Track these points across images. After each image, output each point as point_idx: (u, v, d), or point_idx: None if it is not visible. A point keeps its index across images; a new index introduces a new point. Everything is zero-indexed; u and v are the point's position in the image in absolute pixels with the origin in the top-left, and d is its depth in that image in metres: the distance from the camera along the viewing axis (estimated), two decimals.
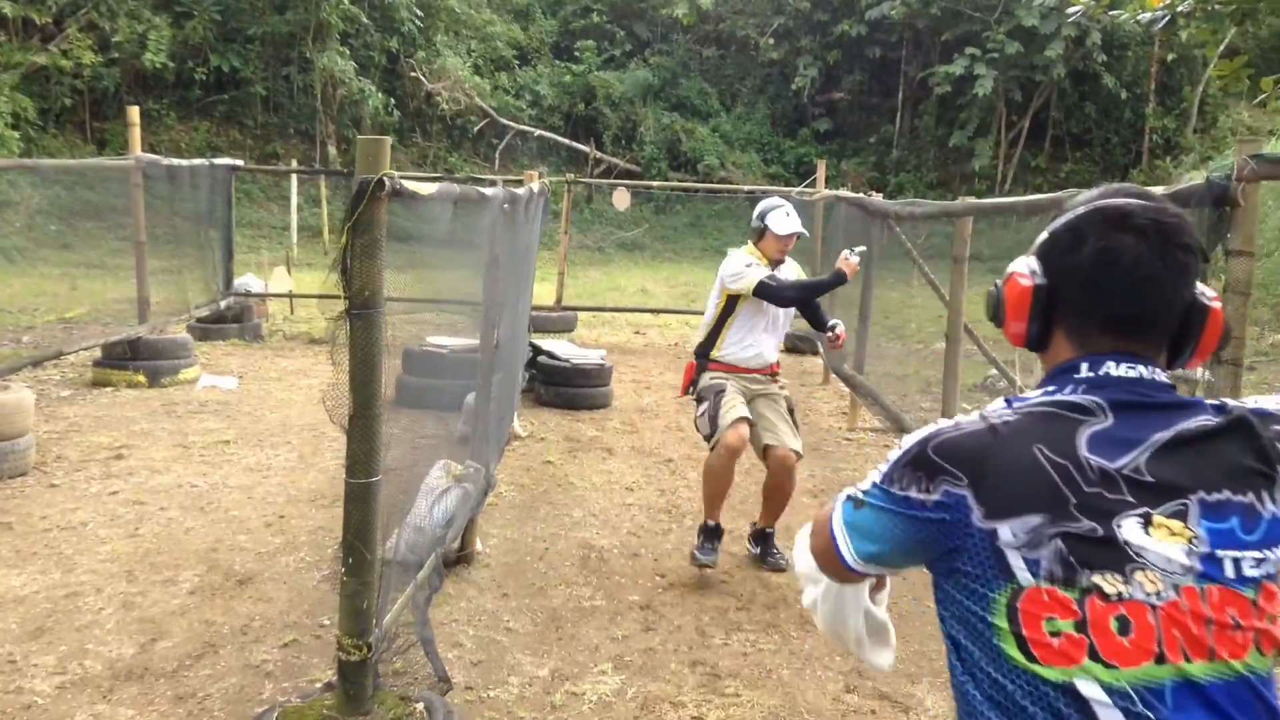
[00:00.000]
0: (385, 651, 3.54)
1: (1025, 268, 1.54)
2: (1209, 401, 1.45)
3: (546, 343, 9.64)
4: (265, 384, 9.35)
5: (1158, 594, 1.31)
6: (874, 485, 1.52)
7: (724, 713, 3.90)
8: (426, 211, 4.70)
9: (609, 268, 20.04)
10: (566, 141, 26.18)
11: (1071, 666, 1.30)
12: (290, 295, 13.02)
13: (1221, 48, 20.24)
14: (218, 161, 11.77)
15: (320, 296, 11.93)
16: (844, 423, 9.06)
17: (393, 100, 24.13)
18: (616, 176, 24.68)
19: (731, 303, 5.32)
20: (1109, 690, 1.29)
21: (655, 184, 20.64)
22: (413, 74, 24.73)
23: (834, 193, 11.41)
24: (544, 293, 12.81)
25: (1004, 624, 1.35)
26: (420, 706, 3.42)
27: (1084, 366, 1.46)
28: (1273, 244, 15.46)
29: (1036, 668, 1.32)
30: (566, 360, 8.95)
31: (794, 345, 12.81)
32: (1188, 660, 1.30)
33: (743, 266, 5.26)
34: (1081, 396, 1.42)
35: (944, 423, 1.49)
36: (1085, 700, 1.30)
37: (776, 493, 5.38)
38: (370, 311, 3.34)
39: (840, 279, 5.48)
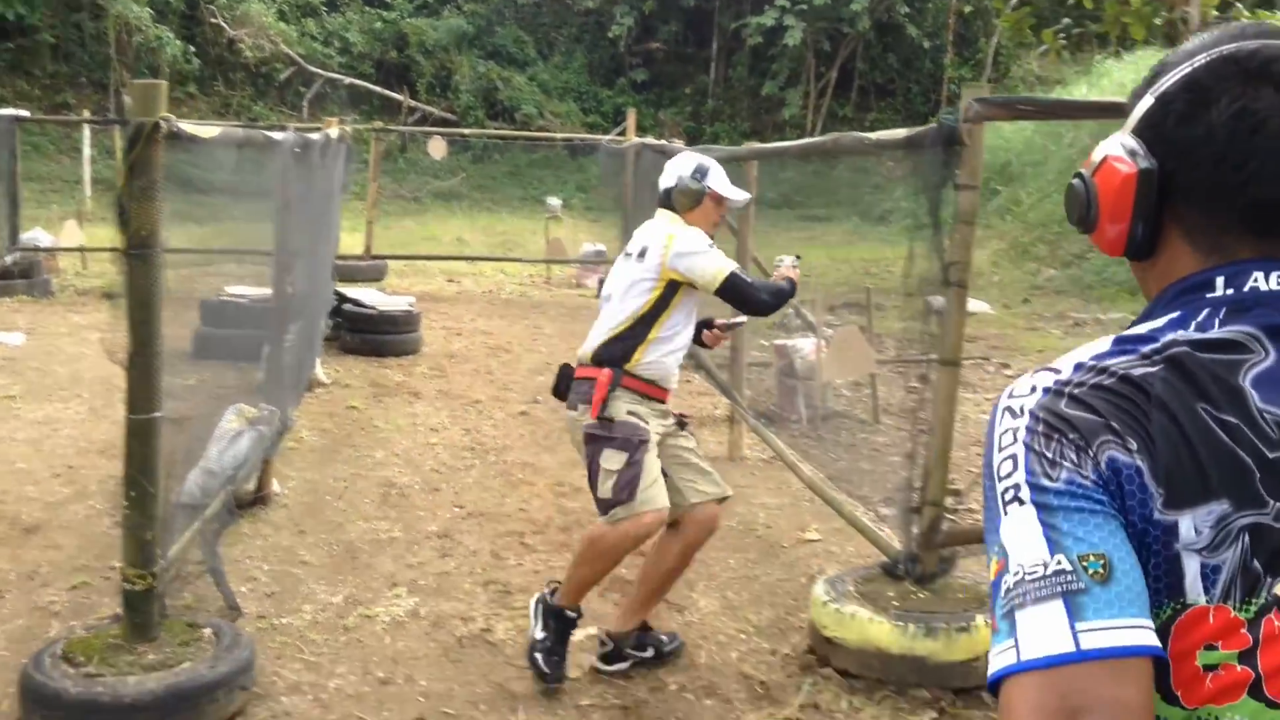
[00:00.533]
0: (172, 582, 3.62)
1: (1122, 148, 1.09)
2: None
3: (353, 291, 9.61)
4: (55, 339, 9.04)
5: None
6: (1045, 493, 0.94)
7: (511, 624, 4.13)
8: (212, 157, 4.71)
9: (424, 217, 19.88)
10: (379, 90, 25.66)
11: (1221, 705, 0.93)
12: (82, 250, 12.53)
13: (1013, 1, 21.39)
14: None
15: (114, 250, 11.52)
16: None
17: (192, 48, 23.14)
18: (432, 125, 24.36)
19: (669, 293, 3.69)
20: None
21: (471, 132, 20.52)
22: (213, 20, 23.77)
23: (641, 140, 11.68)
24: (353, 242, 12.70)
25: None
26: (208, 631, 3.52)
27: (1219, 282, 1.03)
28: (1051, 186, 16.52)
29: (1171, 710, 0.94)
30: (372, 307, 8.97)
31: None
32: None
33: (704, 245, 3.72)
34: (1230, 330, 0.99)
35: (1038, 381, 1.02)
36: None
37: (684, 562, 3.92)
38: (147, 251, 3.38)
39: (794, 289, 4.15)
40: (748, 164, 6.68)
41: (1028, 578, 0.91)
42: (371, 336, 8.91)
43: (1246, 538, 0.93)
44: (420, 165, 23.32)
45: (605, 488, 3.59)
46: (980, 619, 3.64)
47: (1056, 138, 16.56)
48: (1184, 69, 1.07)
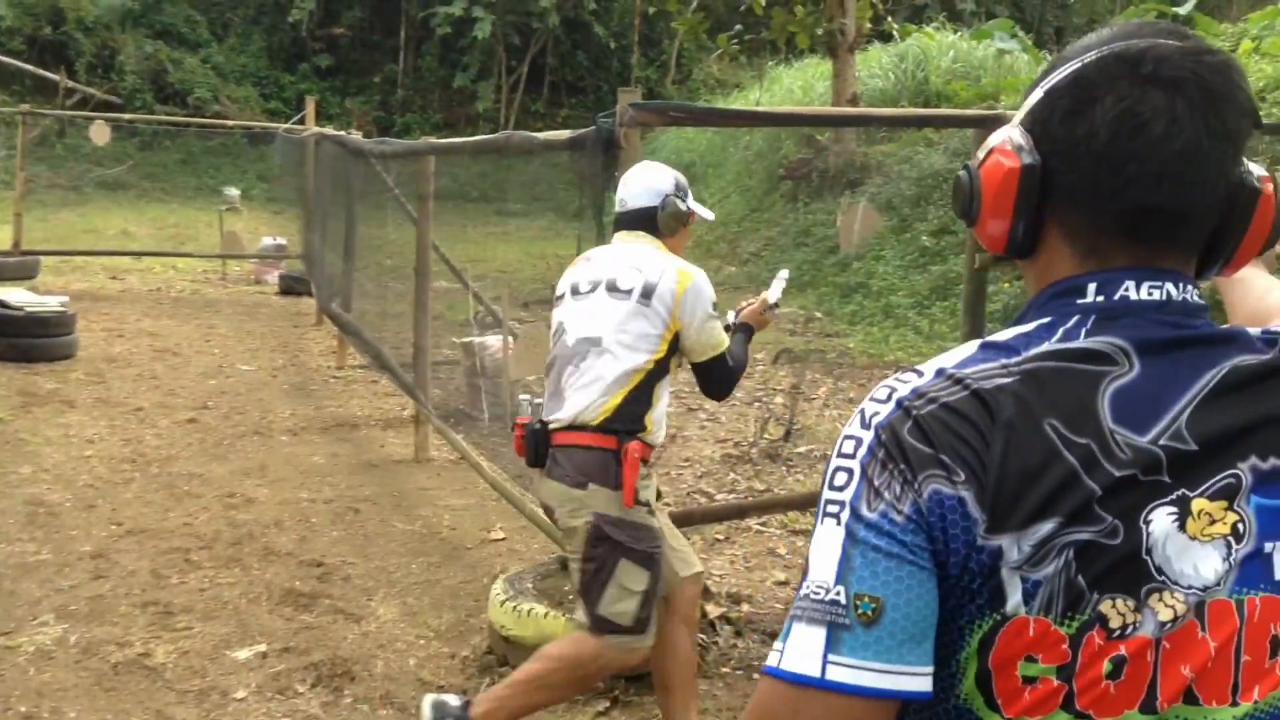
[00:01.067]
0: None
1: (1009, 141, 1.06)
2: (1252, 330, 1.04)
3: None
4: None
5: (1172, 621, 0.95)
6: (858, 522, 0.96)
7: (173, 645, 3.89)
8: None
9: (85, 209, 18.37)
10: (31, 69, 23.42)
11: (1035, 718, 0.96)
12: None
13: (694, 4, 22.26)
14: None
15: None
16: (333, 361, 9.09)
17: None
18: (94, 108, 22.51)
19: (675, 344, 3.08)
20: None
21: (138, 118, 19.12)
22: None
23: (320, 130, 11.27)
24: (1, 237, 11.56)
25: (972, 660, 0.97)
26: None
27: (1091, 288, 1.03)
28: (731, 186, 17.36)
29: (992, 717, 0.97)
30: (19, 308, 8.18)
31: (290, 287, 12.58)
32: (1193, 703, 0.96)
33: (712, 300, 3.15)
34: (1095, 340, 1.00)
35: (897, 386, 1.01)
36: None
37: (693, 643, 3.34)
38: None
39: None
40: (424, 159, 6.61)
41: (812, 596, 0.95)
42: (18, 340, 8.12)
43: (1071, 553, 0.94)
44: (81, 152, 21.48)
45: (619, 610, 2.93)
46: None
47: (736, 140, 17.41)
48: (1074, 64, 1.03)
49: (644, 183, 3.26)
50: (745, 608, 4.32)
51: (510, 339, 7.20)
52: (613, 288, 3.09)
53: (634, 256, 3.14)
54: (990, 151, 1.08)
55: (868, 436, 0.99)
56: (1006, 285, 9.27)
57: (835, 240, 12.19)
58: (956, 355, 1.02)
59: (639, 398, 3.01)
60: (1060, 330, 1.01)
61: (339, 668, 3.80)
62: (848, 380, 8.48)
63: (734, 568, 4.77)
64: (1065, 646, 0.95)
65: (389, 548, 4.99)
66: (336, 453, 6.47)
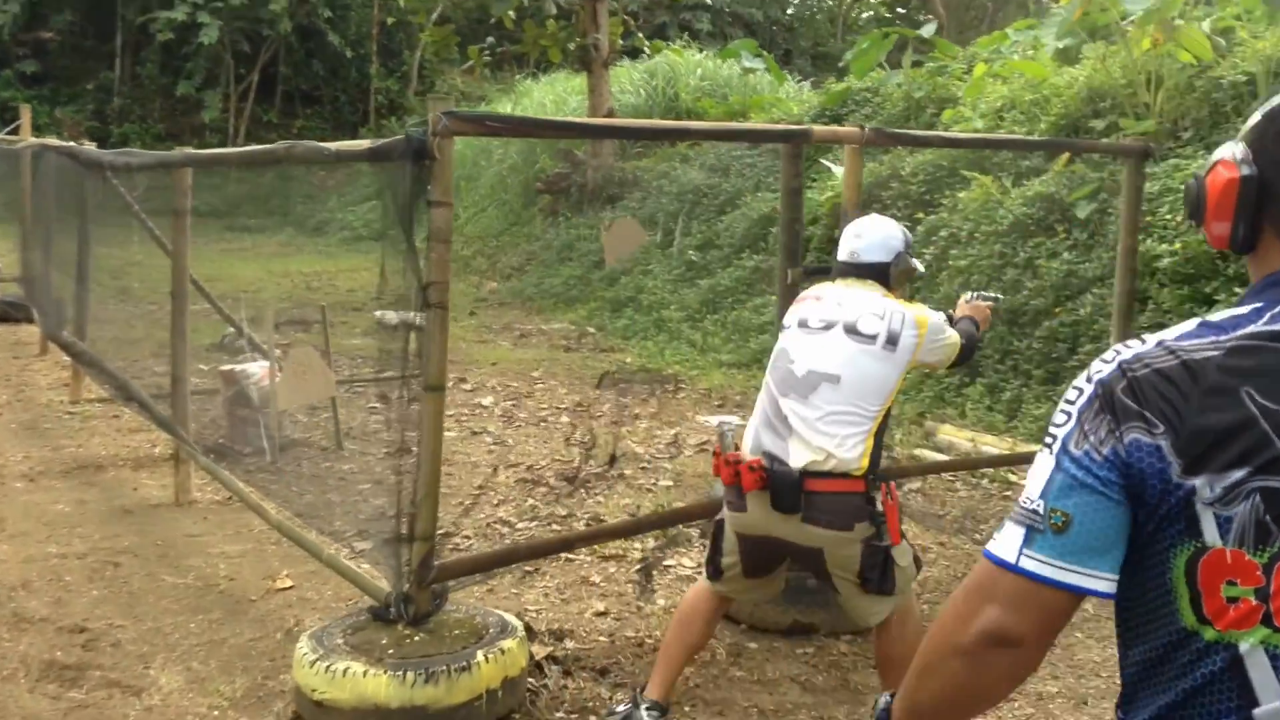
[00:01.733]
0: None
1: (1231, 155, 1.31)
2: None
3: None
4: None
5: None
6: (1065, 455, 1.25)
7: None
8: None
9: None
10: None
11: (1242, 630, 1.20)
12: None
13: (435, 15, 21.83)
14: None
15: None
16: (66, 395, 8.20)
17: None
18: None
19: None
20: (1270, 653, 1.20)
21: None
22: None
23: (41, 141, 10.21)
24: None
25: (1180, 584, 1.23)
26: None
27: None
28: (486, 199, 17.08)
29: (1204, 629, 1.22)
30: None
31: (5, 314, 11.35)
32: None
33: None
34: None
35: (1122, 351, 1.27)
36: (1242, 659, 1.21)
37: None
38: None
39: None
40: (179, 172, 6.02)
41: (1022, 505, 1.28)
42: None
43: (1258, 497, 1.18)
44: None
45: (904, 582, 3.28)
46: (481, 655, 3.49)
47: (488, 153, 17.15)
48: None
49: (881, 237, 3.45)
50: (570, 644, 4.10)
51: (275, 366, 6.69)
52: (852, 330, 3.25)
53: (872, 303, 3.30)
54: (1215, 164, 1.32)
55: (1089, 389, 1.26)
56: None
57: (600, 255, 12.16)
58: (1177, 330, 1.27)
59: (879, 442, 3.22)
60: (1268, 315, 1.24)
61: None
62: (631, 396, 8.40)
63: (550, 600, 4.54)
64: (1259, 573, 1.20)
65: (161, 605, 4.45)
66: (83, 499, 5.78)
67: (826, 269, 4.53)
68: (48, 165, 9.60)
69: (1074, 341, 7.16)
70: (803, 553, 3.28)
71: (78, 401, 7.99)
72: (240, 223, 21.29)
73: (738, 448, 3.43)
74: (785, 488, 3.12)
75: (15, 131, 11.41)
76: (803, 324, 3.35)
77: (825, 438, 3.14)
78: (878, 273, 3.40)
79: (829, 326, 3.28)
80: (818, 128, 4.77)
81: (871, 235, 3.46)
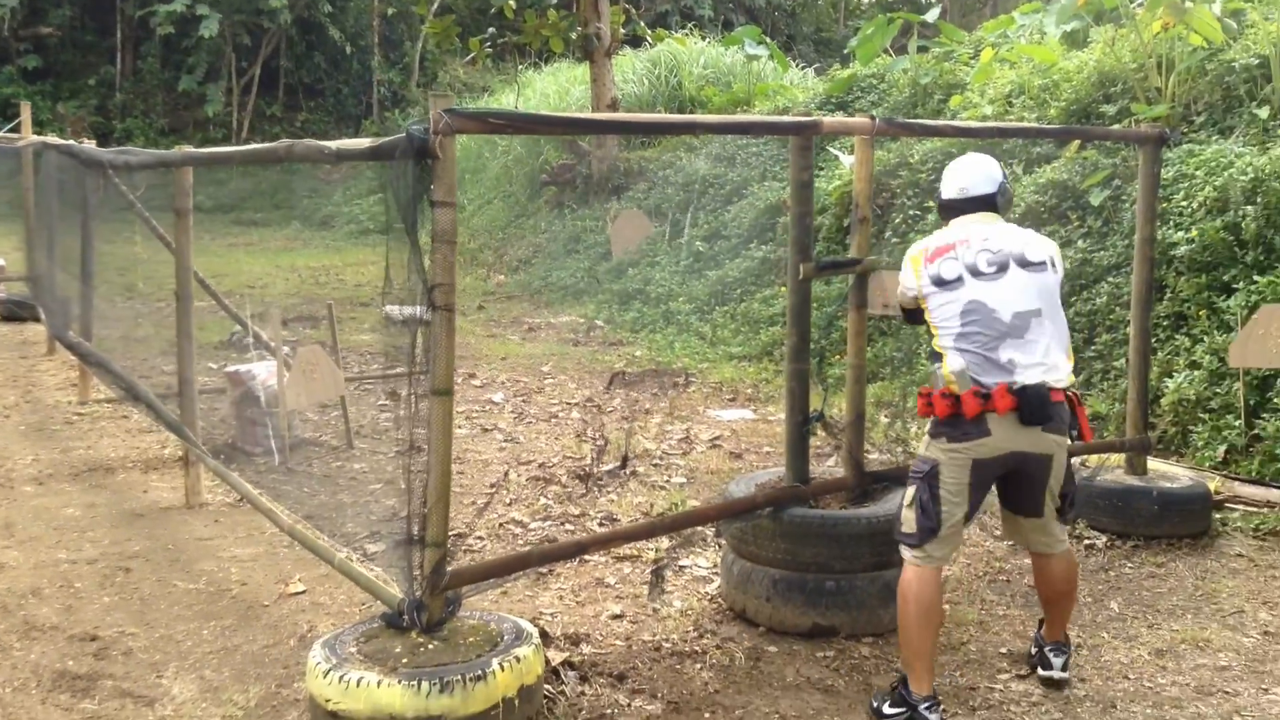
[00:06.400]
0: None
1: None
2: None
3: None
4: None
5: None
6: None
7: None
8: None
9: None
10: None
11: None
12: None
13: (435, 6, 21.71)
14: None
15: None
16: (74, 395, 8.16)
17: None
18: None
19: None
20: None
21: None
22: None
23: (42, 139, 10.15)
24: None
25: None
26: None
27: None
28: (491, 192, 17.00)
29: None
30: None
31: (12, 313, 11.33)
32: None
33: None
34: None
35: None
36: None
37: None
38: None
39: None
40: (180, 171, 5.95)
41: None
42: None
43: None
44: None
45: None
46: (496, 663, 3.44)
47: (493, 145, 17.07)
48: None
49: (984, 172, 3.71)
50: (586, 649, 4.05)
51: (283, 365, 6.63)
52: (1024, 263, 3.54)
53: (1016, 232, 3.64)
54: None
55: None
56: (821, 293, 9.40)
57: (607, 247, 12.09)
58: None
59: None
60: None
61: None
62: (641, 390, 8.35)
63: (565, 604, 4.49)
64: None
65: (173, 612, 4.41)
66: (94, 502, 5.74)
67: (843, 263, 4.48)
68: (49, 163, 9.55)
69: (1090, 331, 7.08)
70: (1035, 462, 3.55)
71: (86, 402, 7.95)
72: (246, 216, 21.25)
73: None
74: (1039, 401, 3.41)
75: (16, 129, 11.35)
76: (975, 272, 3.53)
77: (1056, 359, 3.48)
78: (987, 203, 3.69)
79: (1002, 267, 3.53)
80: (828, 119, 4.69)
81: (976, 171, 3.72)
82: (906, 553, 3.60)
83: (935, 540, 3.56)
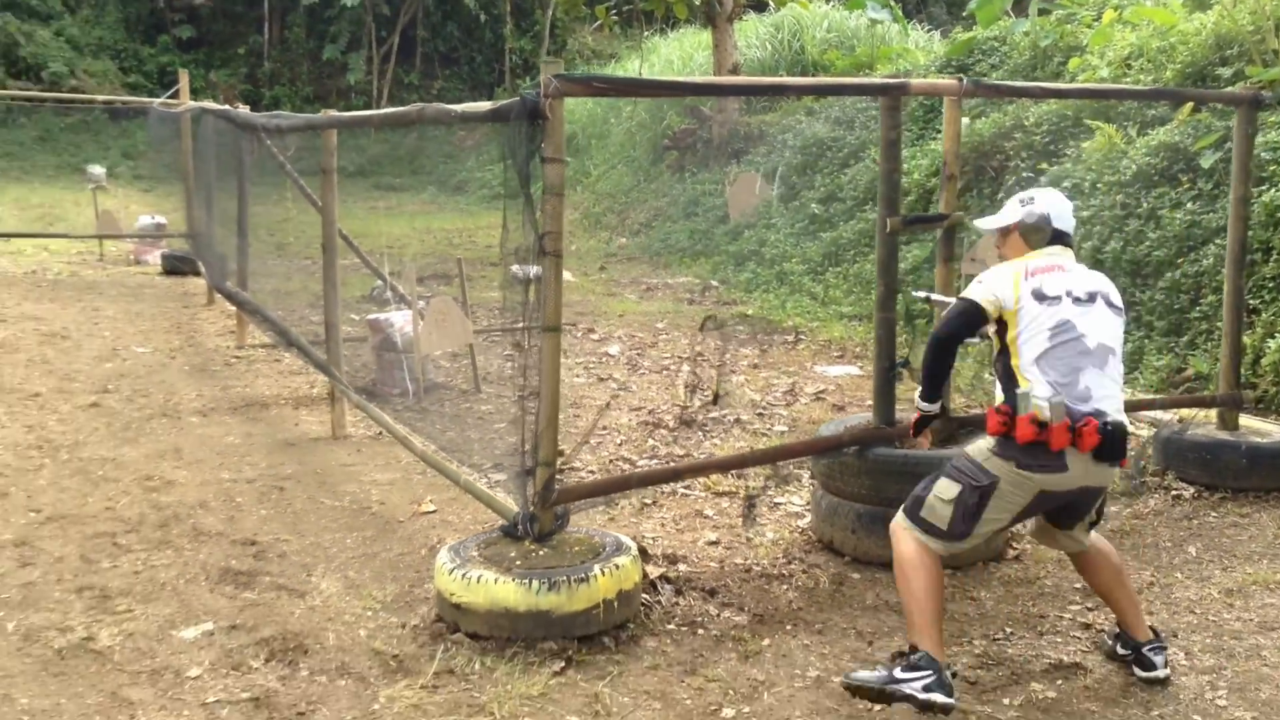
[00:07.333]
0: None
1: None
2: None
3: None
4: None
5: None
6: None
7: (117, 628, 3.85)
8: None
9: None
10: None
11: None
12: None
13: None
14: None
15: None
16: (232, 341, 8.93)
17: None
18: None
19: None
20: None
21: None
22: None
23: (200, 105, 10.97)
24: None
25: None
26: None
27: None
28: (616, 157, 17.43)
29: None
30: None
31: (175, 267, 12.26)
32: None
33: None
34: None
35: None
36: None
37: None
38: None
39: None
40: (326, 133, 6.52)
41: None
42: None
43: None
44: None
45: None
46: (598, 568, 3.88)
47: (618, 111, 17.47)
48: None
49: (1071, 210, 3.73)
50: (682, 567, 4.47)
51: (417, 315, 7.21)
52: (1110, 303, 3.56)
53: (1087, 274, 3.62)
54: None
55: None
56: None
57: (724, 210, 12.41)
58: None
59: None
60: None
61: (290, 642, 3.81)
62: (752, 347, 8.70)
63: (665, 530, 4.92)
64: None
65: (320, 524, 4.99)
66: (251, 432, 6.40)
67: (930, 218, 4.76)
68: (206, 127, 10.34)
69: (1196, 293, 7.15)
70: (1093, 494, 3.58)
71: (243, 346, 8.70)
72: (385, 181, 22.16)
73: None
74: (1118, 440, 3.38)
75: (175, 95, 12.24)
76: (1074, 298, 3.51)
77: (1117, 399, 3.46)
78: (1070, 242, 3.69)
79: (1092, 298, 3.52)
80: (915, 80, 4.96)
81: (1065, 207, 3.70)
82: (920, 534, 3.48)
83: (961, 542, 3.50)
